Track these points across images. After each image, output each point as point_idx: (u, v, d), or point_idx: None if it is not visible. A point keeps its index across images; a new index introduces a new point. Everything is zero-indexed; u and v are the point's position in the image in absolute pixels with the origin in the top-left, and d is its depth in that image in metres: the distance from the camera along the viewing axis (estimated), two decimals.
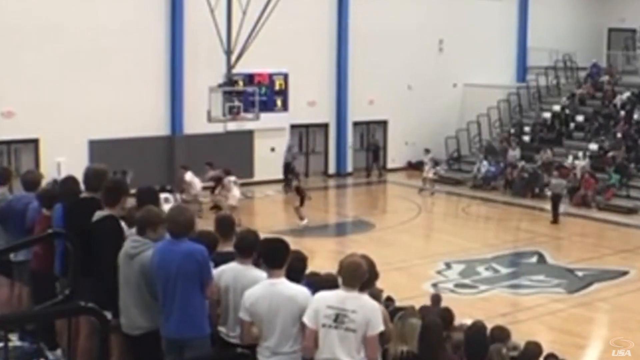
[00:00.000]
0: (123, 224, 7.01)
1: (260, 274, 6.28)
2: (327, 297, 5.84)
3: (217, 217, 7.45)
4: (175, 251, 6.26)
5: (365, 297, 5.86)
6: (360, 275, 5.85)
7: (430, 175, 29.68)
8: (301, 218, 23.98)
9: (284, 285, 6.04)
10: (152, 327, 6.46)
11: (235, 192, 23.66)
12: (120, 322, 6.56)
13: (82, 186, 7.44)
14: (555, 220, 25.31)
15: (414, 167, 32.58)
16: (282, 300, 5.96)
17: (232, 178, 23.96)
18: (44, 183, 9.40)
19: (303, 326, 5.89)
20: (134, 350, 6.60)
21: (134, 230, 6.74)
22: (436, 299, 12.71)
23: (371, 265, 6.21)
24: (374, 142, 33.24)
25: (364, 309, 5.76)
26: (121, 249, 6.66)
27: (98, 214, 6.96)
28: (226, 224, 7.11)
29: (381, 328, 5.76)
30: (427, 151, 30.41)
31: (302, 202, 24.01)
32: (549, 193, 26.37)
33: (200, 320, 6.31)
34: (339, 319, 5.72)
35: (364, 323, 5.72)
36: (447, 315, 9.81)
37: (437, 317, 6.60)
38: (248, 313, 6.06)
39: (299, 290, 6.05)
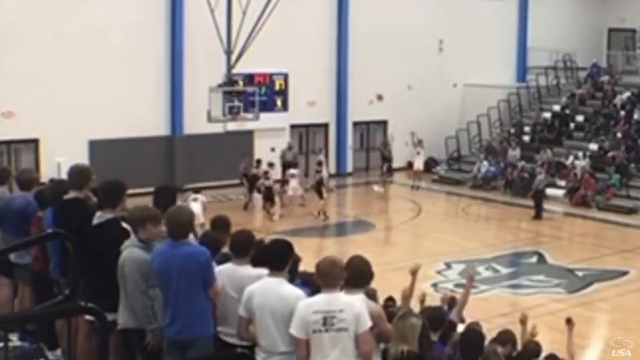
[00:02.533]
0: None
1: (258, 272, 6.28)
2: (310, 303, 5.81)
3: (212, 218, 7.41)
4: (177, 254, 6.23)
5: (348, 296, 5.84)
6: (337, 274, 5.82)
7: (420, 167, 29.91)
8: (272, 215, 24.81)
9: (280, 285, 6.04)
10: (127, 325, 6.52)
11: (293, 183, 24.82)
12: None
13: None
14: (537, 216, 25.64)
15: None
16: (274, 298, 5.96)
17: (291, 171, 25.11)
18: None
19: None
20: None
21: None
22: (450, 301, 12.46)
23: (367, 265, 6.19)
24: (386, 143, 33.11)
25: (350, 306, 5.75)
26: None
27: (99, 216, 6.93)
28: (221, 225, 7.08)
29: (369, 324, 5.74)
30: (419, 142, 30.82)
31: (266, 202, 24.95)
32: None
33: (205, 320, 6.33)
34: (327, 321, 5.69)
35: (353, 320, 5.70)
36: (437, 315, 9.73)
37: (423, 316, 6.59)
38: (245, 309, 6.08)
39: (294, 292, 6.03)
